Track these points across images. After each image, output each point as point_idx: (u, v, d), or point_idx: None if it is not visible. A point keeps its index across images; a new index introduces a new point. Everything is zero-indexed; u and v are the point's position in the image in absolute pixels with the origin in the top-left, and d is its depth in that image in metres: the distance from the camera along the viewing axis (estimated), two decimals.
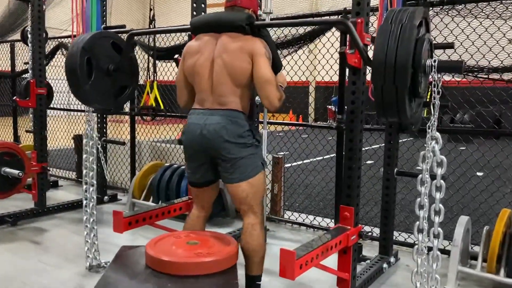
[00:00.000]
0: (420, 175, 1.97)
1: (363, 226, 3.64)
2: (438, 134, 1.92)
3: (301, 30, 3.73)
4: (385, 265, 2.93)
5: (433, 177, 1.95)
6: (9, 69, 6.46)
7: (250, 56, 2.09)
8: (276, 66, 2.27)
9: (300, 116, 17.05)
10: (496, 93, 4.18)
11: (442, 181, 1.93)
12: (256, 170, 2.19)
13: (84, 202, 2.91)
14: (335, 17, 3.58)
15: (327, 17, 2.44)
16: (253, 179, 2.18)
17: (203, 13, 2.99)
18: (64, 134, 6.76)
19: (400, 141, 3.10)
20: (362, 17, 2.28)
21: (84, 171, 2.88)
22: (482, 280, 2.78)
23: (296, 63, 4.34)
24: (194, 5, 2.96)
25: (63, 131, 6.80)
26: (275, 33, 3.95)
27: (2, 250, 3.21)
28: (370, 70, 1.86)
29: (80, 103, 2.80)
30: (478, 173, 5.59)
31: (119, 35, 3.15)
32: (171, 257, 1.97)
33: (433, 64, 1.80)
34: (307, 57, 4.75)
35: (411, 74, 1.75)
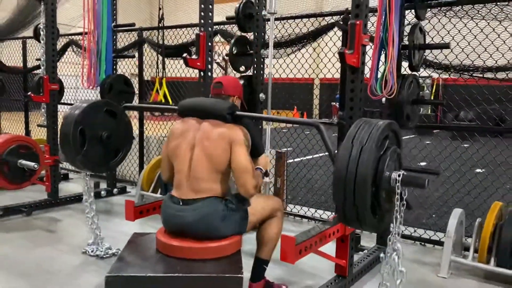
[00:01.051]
0: None
1: None
2: (399, 246, 2.02)
3: (304, 29, 3.87)
4: (382, 255, 3.06)
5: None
6: (21, 64, 6.65)
7: (229, 144, 2.15)
8: (258, 150, 2.38)
9: (305, 112, 17.16)
10: (502, 91, 4.29)
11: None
12: (245, 219, 2.23)
13: (84, 197, 3.12)
14: (337, 17, 3.73)
15: (304, 119, 2.51)
16: (249, 224, 2.25)
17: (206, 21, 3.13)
18: None
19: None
20: (361, 19, 2.41)
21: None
22: (474, 269, 2.92)
23: (299, 61, 4.48)
24: (202, 6, 3.10)
25: None
26: (279, 32, 4.08)
27: (19, 238, 3.39)
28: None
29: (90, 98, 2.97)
30: (478, 170, 5.72)
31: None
32: (180, 242, 2.13)
33: (397, 178, 1.83)
34: (310, 55, 4.88)
35: (373, 191, 1.80)
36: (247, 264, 2.37)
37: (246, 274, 2.11)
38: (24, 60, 6.42)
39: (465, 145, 6.56)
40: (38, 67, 6.15)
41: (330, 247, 2.49)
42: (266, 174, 2.50)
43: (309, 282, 2.73)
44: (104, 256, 3.04)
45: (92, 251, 3.07)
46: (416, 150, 4.46)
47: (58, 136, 2.78)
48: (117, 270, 2.00)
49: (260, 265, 2.36)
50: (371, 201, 1.80)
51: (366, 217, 1.80)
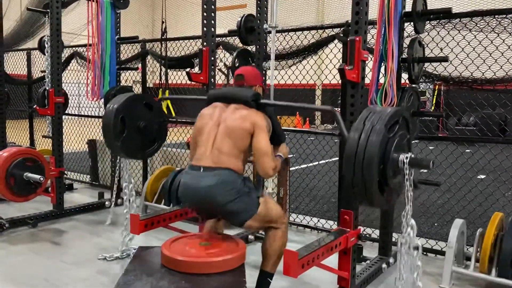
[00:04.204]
0: None
1: (365, 228, 3.83)
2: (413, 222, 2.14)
3: (306, 41, 3.92)
4: (384, 265, 3.10)
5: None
6: (24, 74, 6.74)
7: (251, 126, 2.33)
8: (279, 138, 2.54)
9: (307, 118, 17.22)
10: (507, 96, 4.31)
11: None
12: (254, 208, 2.34)
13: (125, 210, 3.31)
14: (338, 30, 3.78)
15: (320, 106, 2.75)
16: (256, 215, 2.34)
17: (213, 29, 3.19)
18: (76, 137, 6.99)
19: None
20: (360, 35, 2.46)
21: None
22: (476, 280, 2.94)
23: (303, 67, 4.51)
24: (205, 21, 3.16)
25: (75, 135, 7.03)
26: (281, 44, 4.14)
27: (25, 250, 3.44)
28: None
29: (92, 106, 3.09)
30: (481, 176, 5.73)
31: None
32: (184, 257, 2.17)
33: (404, 160, 1.98)
34: (314, 62, 4.92)
35: (381, 169, 1.94)
36: (252, 276, 2.41)
37: (251, 285, 2.15)
38: (29, 71, 6.50)
39: (469, 151, 6.58)
40: (42, 78, 6.23)
41: (333, 258, 2.52)
42: (286, 161, 2.64)
43: None
44: (121, 257, 3.22)
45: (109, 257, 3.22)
46: (420, 156, 4.49)
47: (101, 123, 3.03)
48: (123, 285, 2.04)
49: (265, 278, 2.40)
50: (379, 179, 1.93)
51: (374, 193, 1.93)
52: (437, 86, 14.78)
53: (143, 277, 2.13)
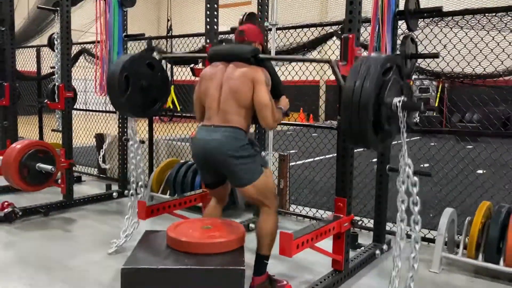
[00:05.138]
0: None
1: (361, 218, 3.99)
2: (409, 161, 2.25)
3: (305, 38, 4.07)
4: (377, 252, 3.27)
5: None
6: (32, 70, 6.94)
7: (252, 82, 2.47)
8: (278, 91, 2.66)
9: (311, 114, 17.35)
10: (510, 93, 4.43)
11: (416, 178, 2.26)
12: (257, 174, 2.52)
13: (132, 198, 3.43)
14: (337, 27, 3.93)
15: (317, 58, 2.83)
16: (256, 182, 2.51)
17: (215, 26, 3.35)
18: (83, 132, 7.18)
19: (407, 140, 3.44)
20: (353, 33, 2.61)
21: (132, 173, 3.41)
22: (464, 265, 3.10)
23: (307, 67, 4.66)
24: (208, 19, 3.32)
25: (83, 130, 7.22)
26: (281, 41, 4.30)
27: (38, 236, 3.63)
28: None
29: (98, 102, 3.22)
30: (479, 171, 5.87)
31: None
32: (188, 238, 2.34)
33: (398, 104, 2.09)
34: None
35: (376, 110, 2.05)
36: (252, 261, 2.58)
37: (250, 271, 2.32)
38: (38, 67, 6.69)
39: (468, 147, 6.71)
40: (51, 74, 6.42)
41: (328, 244, 2.69)
42: (286, 114, 2.77)
43: (308, 277, 2.92)
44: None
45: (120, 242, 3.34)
46: (420, 152, 4.66)
47: (106, 82, 3.14)
48: (132, 263, 2.22)
49: (261, 260, 2.57)
50: (373, 119, 2.05)
51: (369, 135, 2.05)
52: (440, 84, 14.90)
53: (151, 256, 2.31)
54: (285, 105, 2.74)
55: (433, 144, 7.59)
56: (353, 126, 2.06)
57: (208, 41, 3.33)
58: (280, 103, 2.69)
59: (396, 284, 2.17)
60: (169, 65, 4.87)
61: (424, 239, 3.65)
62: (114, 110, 4.05)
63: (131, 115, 3.28)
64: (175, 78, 4.99)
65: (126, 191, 5.02)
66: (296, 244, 2.26)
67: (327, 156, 5.55)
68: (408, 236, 2.35)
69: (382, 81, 2.07)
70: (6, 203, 3.98)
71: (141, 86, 3.11)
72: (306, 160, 6.09)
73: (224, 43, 3.22)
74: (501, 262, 2.85)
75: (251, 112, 2.56)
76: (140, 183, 3.38)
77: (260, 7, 3.79)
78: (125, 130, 5.01)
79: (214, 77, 2.59)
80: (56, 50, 5.19)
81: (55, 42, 5.16)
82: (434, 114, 14.27)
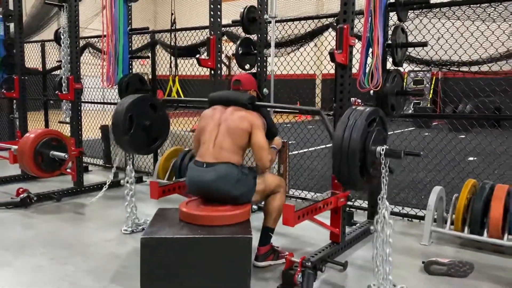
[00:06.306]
0: None
1: (357, 199, 4.24)
2: (387, 204, 2.43)
3: (302, 30, 4.30)
4: (372, 227, 3.51)
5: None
6: (35, 66, 7.13)
7: (249, 125, 2.72)
8: (272, 133, 2.97)
9: None
10: (497, 84, 4.68)
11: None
12: (253, 188, 2.73)
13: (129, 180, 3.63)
14: (332, 19, 4.16)
15: (307, 107, 3.13)
16: (256, 192, 2.75)
17: (219, 23, 3.57)
18: (88, 125, 7.38)
19: (401, 131, 3.69)
20: (348, 23, 2.85)
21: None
22: (452, 238, 3.36)
23: (303, 55, 4.88)
24: (212, 12, 3.55)
25: (87, 123, 7.41)
26: (280, 33, 4.52)
27: (54, 219, 3.87)
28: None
29: (100, 97, 3.42)
30: (471, 158, 6.14)
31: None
32: (199, 212, 2.59)
33: (381, 152, 2.36)
34: (315, 53, 5.29)
35: (362, 157, 2.34)
36: (255, 238, 2.82)
37: (254, 243, 2.56)
38: (43, 62, 6.88)
39: (461, 136, 6.95)
40: (55, 68, 6.61)
41: (326, 219, 2.94)
42: (280, 150, 3.09)
43: (308, 249, 3.17)
44: (135, 230, 3.52)
45: (129, 227, 3.55)
46: (415, 141, 4.91)
47: (111, 120, 3.40)
48: (150, 233, 2.46)
49: (266, 232, 2.82)
50: (360, 165, 2.33)
51: (356, 178, 2.33)
52: (434, 75, 15.16)
53: (167, 227, 2.55)
54: (278, 145, 3.05)
55: (426, 134, 7.87)
56: (342, 170, 2.35)
57: (212, 33, 3.55)
58: (274, 143, 2.99)
59: (378, 245, 2.42)
60: (173, 58, 5.10)
61: (416, 216, 3.92)
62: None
63: (134, 152, 3.55)
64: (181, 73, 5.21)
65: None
66: (297, 215, 2.50)
67: (321, 147, 5.82)
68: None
69: (367, 132, 2.37)
70: (21, 189, 4.20)
71: (143, 125, 3.38)
72: (305, 150, 6.34)
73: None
74: (485, 233, 3.11)
75: (245, 151, 2.80)
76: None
77: (260, 0, 4.01)
78: None
79: (213, 116, 2.82)
80: (62, 45, 5.39)
81: (62, 37, 5.36)
82: (427, 104, 14.54)
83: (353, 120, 2.34)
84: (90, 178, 5.50)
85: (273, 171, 4.36)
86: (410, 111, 14.38)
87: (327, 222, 2.99)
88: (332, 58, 2.79)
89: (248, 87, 3.00)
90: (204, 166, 2.69)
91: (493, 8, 3.26)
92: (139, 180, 5.34)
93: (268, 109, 3.28)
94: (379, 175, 2.46)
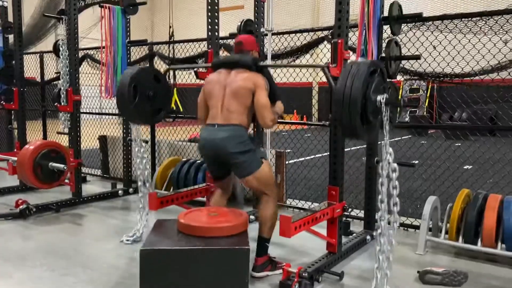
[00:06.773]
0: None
1: (353, 208, 4.29)
2: (390, 150, 2.53)
3: (298, 43, 4.38)
4: (368, 237, 3.56)
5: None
6: (32, 76, 7.17)
7: (253, 85, 2.81)
8: (275, 95, 2.99)
9: (304, 116, 17.65)
10: (494, 92, 4.77)
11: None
12: (256, 166, 2.84)
13: (140, 194, 3.66)
14: (327, 32, 4.24)
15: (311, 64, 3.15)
16: (256, 173, 2.84)
17: (216, 27, 3.65)
18: (85, 136, 7.41)
19: (398, 139, 3.75)
20: (342, 38, 2.92)
21: (139, 172, 3.66)
22: (446, 247, 3.41)
23: (301, 70, 4.96)
24: (209, 26, 3.61)
25: (85, 133, 7.44)
26: (276, 45, 4.60)
27: (53, 229, 3.90)
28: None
29: (99, 107, 3.47)
30: (467, 166, 6.21)
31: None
32: (198, 223, 2.63)
33: (381, 100, 2.42)
34: (313, 61, 5.35)
35: (363, 105, 2.36)
36: (253, 248, 2.86)
37: (252, 255, 2.60)
38: (42, 73, 6.93)
39: (457, 144, 7.03)
40: (54, 79, 6.67)
41: (323, 230, 2.98)
42: (281, 116, 3.13)
43: (305, 259, 3.21)
44: (137, 240, 3.54)
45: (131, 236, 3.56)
46: (411, 150, 4.97)
47: (116, 92, 3.44)
48: (149, 244, 2.49)
49: (262, 242, 2.87)
50: (361, 112, 2.34)
51: (357, 126, 2.34)
52: (430, 83, 15.31)
53: (165, 239, 2.58)
54: (280, 108, 3.10)
55: (423, 142, 7.94)
56: (344, 118, 2.37)
57: (210, 46, 3.62)
58: (276, 107, 3.04)
59: (379, 257, 2.47)
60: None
61: (411, 226, 3.97)
62: (116, 113, 4.31)
63: (139, 121, 3.57)
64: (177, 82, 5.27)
65: (131, 189, 5.29)
66: (294, 226, 2.55)
67: (317, 156, 5.88)
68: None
69: (369, 81, 2.39)
70: (20, 201, 4.23)
71: (147, 95, 3.41)
72: (302, 159, 6.40)
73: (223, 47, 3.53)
74: (479, 243, 3.16)
75: (251, 111, 2.89)
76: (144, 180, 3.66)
77: (256, 14, 4.09)
78: (129, 131, 5.27)
79: (218, 80, 2.92)
80: (61, 56, 5.45)
81: (60, 49, 5.42)
82: (423, 113, 14.65)
83: (355, 70, 2.35)
84: (88, 189, 5.53)
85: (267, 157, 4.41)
86: (406, 119, 14.59)
87: (324, 232, 3.04)
88: (327, 72, 2.85)
89: (249, 48, 3.04)
90: (216, 126, 2.83)
91: (483, 22, 3.34)
92: (137, 190, 5.33)
93: None
94: (379, 124, 2.49)
